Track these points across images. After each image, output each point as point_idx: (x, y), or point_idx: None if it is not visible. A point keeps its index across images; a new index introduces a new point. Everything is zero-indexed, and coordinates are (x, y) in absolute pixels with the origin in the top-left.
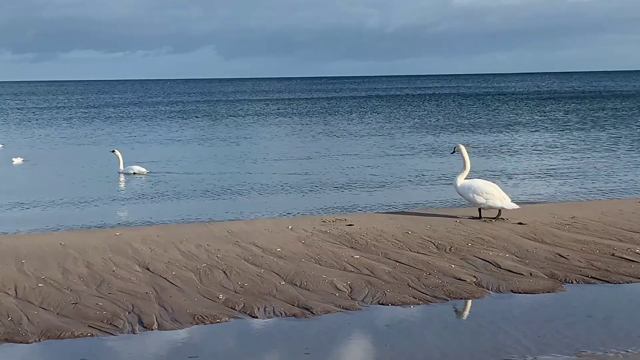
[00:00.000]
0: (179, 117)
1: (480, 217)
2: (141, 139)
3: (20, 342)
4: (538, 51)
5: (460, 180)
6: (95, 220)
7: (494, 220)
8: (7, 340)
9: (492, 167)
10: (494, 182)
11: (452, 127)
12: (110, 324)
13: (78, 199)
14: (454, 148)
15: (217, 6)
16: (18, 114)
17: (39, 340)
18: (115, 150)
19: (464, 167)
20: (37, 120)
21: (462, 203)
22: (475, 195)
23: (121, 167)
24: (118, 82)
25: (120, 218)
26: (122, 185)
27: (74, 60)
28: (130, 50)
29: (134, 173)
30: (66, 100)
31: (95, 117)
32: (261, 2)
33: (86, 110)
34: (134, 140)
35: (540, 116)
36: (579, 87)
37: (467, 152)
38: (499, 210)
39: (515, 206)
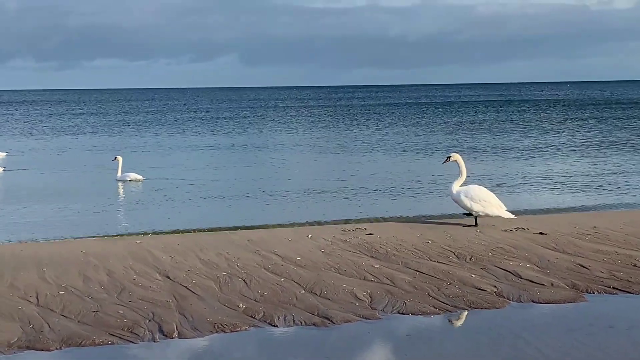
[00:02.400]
0: (199, 125)
1: (476, 225)
2: (160, 146)
3: (42, 350)
4: (560, 59)
5: (456, 187)
6: (109, 229)
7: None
8: (28, 348)
9: (512, 174)
10: (490, 190)
11: (474, 134)
12: (131, 332)
13: (79, 207)
14: (447, 157)
15: (240, 13)
16: (34, 122)
17: (60, 347)
18: (118, 157)
19: (460, 175)
20: (50, 128)
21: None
22: (472, 202)
23: (119, 174)
24: (140, 91)
25: (140, 225)
26: (121, 192)
27: (98, 68)
28: (153, 59)
29: (130, 180)
30: (89, 109)
31: (111, 126)
32: (284, 9)
33: (107, 119)
34: (151, 147)
35: (562, 124)
36: (603, 95)
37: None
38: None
39: (512, 215)
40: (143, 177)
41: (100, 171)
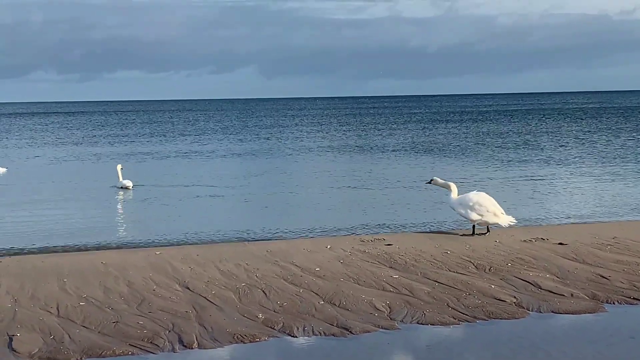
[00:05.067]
0: (219, 136)
1: (473, 234)
2: (182, 156)
3: None
4: (581, 69)
5: (454, 196)
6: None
7: (484, 234)
8: (49, 359)
9: (532, 183)
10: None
11: (492, 144)
12: (151, 342)
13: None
14: (430, 180)
15: (262, 25)
16: (51, 133)
17: (81, 358)
18: (119, 165)
19: (450, 191)
20: (62, 139)
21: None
22: (468, 211)
23: (118, 181)
24: (160, 102)
25: (159, 236)
26: (121, 199)
27: (119, 80)
28: (174, 70)
29: (125, 187)
30: (111, 120)
31: (131, 137)
32: (306, 21)
33: (127, 130)
34: (172, 157)
35: (582, 133)
36: (623, 104)
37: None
38: (487, 227)
39: (513, 221)
40: (133, 183)
41: (108, 179)
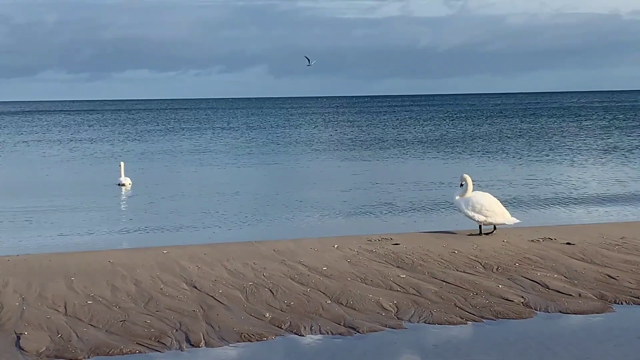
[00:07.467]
0: (227, 133)
1: (480, 234)
2: (190, 153)
3: (70, 359)
4: (592, 69)
5: (459, 196)
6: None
7: (487, 234)
8: (57, 357)
9: (539, 183)
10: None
11: (502, 143)
12: (158, 341)
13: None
14: (461, 180)
15: (272, 25)
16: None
17: (88, 357)
18: (122, 162)
19: (466, 190)
20: (64, 139)
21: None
22: (474, 213)
23: (121, 178)
24: (169, 102)
25: (164, 236)
26: (125, 198)
27: (128, 79)
28: (183, 70)
29: (122, 184)
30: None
31: (140, 134)
32: (316, 21)
33: (137, 128)
34: (181, 156)
35: (591, 132)
36: (633, 103)
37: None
38: (494, 226)
39: (517, 220)
40: (137, 182)
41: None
